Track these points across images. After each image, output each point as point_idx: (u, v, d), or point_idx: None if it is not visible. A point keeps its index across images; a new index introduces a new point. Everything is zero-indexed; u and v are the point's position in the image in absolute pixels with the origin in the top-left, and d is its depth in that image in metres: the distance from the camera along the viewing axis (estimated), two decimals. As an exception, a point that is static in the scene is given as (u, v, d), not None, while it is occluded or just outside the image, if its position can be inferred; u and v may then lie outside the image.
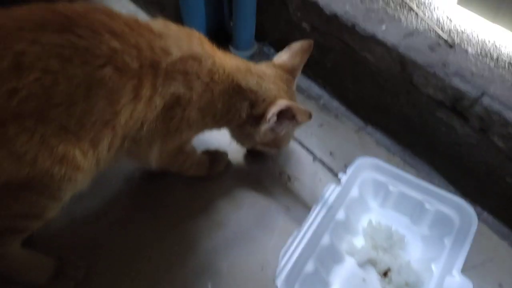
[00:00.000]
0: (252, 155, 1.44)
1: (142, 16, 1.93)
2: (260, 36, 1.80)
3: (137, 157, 1.08)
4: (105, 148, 0.92)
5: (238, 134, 1.26)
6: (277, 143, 1.29)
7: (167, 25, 1.03)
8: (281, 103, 1.10)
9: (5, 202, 0.85)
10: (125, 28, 0.89)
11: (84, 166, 0.89)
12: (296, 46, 1.24)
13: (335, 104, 1.64)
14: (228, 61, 1.11)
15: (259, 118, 1.14)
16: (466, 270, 1.13)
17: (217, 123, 1.17)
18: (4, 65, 0.76)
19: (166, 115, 0.99)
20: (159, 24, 1.02)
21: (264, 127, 1.14)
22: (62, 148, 0.83)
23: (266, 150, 1.37)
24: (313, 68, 1.66)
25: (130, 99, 0.90)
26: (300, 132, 1.52)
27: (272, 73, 1.18)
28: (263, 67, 1.19)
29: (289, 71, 1.22)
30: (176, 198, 1.32)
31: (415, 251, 1.23)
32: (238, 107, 1.14)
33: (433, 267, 1.17)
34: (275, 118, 1.11)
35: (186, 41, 1.02)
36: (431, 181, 1.38)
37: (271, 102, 1.12)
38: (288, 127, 1.17)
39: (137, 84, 0.90)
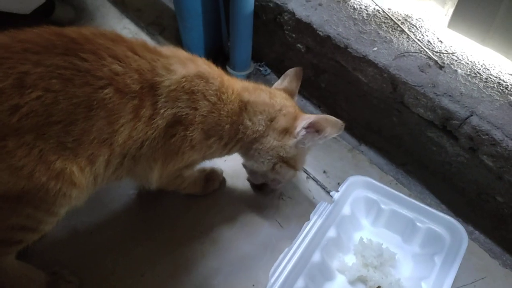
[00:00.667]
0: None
1: (142, 37, 1.97)
2: (257, 56, 1.84)
3: (138, 176, 1.10)
4: (102, 165, 0.95)
5: (254, 154, 1.20)
6: (296, 162, 1.24)
7: (176, 50, 1.08)
8: (310, 117, 1.13)
9: (2, 214, 0.88)
10: (128, 53, 0.94)
11: (81, 182, 0.91)
12: (291, 72, 1.30)
13: (329, 123, 1.66)
14: (236, 83, 1.15)
15: (283, 132, 1.16)
16: (456, 288, 1.14)
17: (225, 146, 1.16)
18: (8, 83, 0.80)
19: (166, 134, 1.01)
20: (169, 49, 1.07)
21: (291, 141, 1.16)
22: (59, 164, 0.87)
23: (277, 181, 1.31)
24: (307, 88, 1.69)
25: (129, 119, 0.93)
26: (294, 151, 1.54)
27: (280, 93, 1.22)
28: (269, 88, 1.23)
29: (291, 95, 1.26)
30: (170, 215, 1.33)
31: (405, 269, 1.24)
32: (251, 123, 1.13)
33: (423, 285, 1.18)
34: (304, 132, 1.14)
35: (193, 62, 1.05)
36: (423, 200, 1.40)
37: (296, 117, 1.16)
38: (313, 140, 1.17)
39: (137, 105, 0.93)
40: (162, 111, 0.97)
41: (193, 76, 1.02)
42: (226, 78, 1.12)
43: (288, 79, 1.29)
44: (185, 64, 1.03)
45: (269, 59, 1.83)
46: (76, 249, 1.23)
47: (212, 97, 1.05)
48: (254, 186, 1.43)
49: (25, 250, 1.04)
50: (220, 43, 1.86)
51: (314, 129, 1.14)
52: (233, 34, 1.66)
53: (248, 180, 1.44)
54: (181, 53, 1.08)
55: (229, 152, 1.20)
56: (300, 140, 1.16)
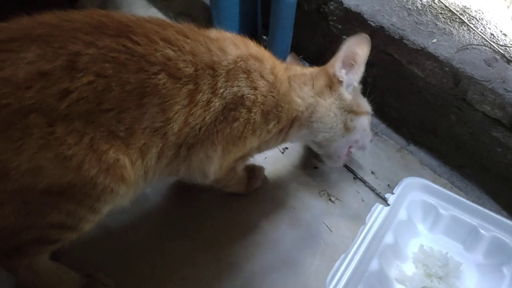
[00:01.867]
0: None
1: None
2: (295, 49, 1.73)
3: (194, 169, 0.99)
4: (154, 158, 0.86)
5: (319, 126, 1.11)
6: (360, 106, 1.16)
7: (222, 32, 1.01)
8: (336, 57, 1.08)
9: (42, 210, 0.78)
10: (179, 36, 0.87)
11: (130, 178, 0.83)
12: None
13: (375, 121, 1.56)
14: (282, 64, 1.10)
15: (327, 88, 1.10)
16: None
17: (282, 131, 1.10)
18: (57, 64, 0.72)
19: (228, 117, 0.93)
20: (214, 31, 1.00)
21: (341, 88, 1.10)
22: (111, 155, 0.79)
23: (361, 139, 1.21)
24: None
25: (184, 105, 0.85)
26: (338, 149, 1.44)
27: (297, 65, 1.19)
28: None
29: None
30: (212, 216, 1.23)
31: (470, 281, 1.13)
32: (300, 99, 1.08)
33: (493, 299, 1.07)
34: (343, 71, 1.09)
35: (244, 43, 0.99)
36: (482, 206, 1.28)
37: (325, 70, 1.11)
38: (357, 73, 1.11)
39: (192, 89, 0.86)
40: (221, 91, 0.91)
41: (247, 56, 0.96)
42: (275, 58, 1.07)
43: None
44: (237, 45, 0.97)
45: (308, 52, 1.73)
46: (110, 249, 1.13)
47: (270, 76, 0.99)
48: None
49: (58, 251, 0.94)
50: (255, 35, 1.77)
51: (348, 63, 1.09)
52: (274, 24, 1.56)
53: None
54: (229, 34, 1.02)
55: (286, 138, 1.15)
56: (347, 82, 1.10)
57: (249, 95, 0.94)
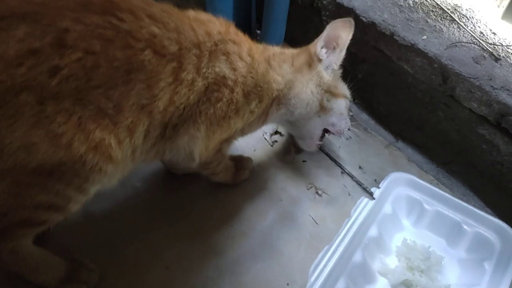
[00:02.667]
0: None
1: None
2: (289, 43, 1.74)
3: (180, 150, 1.00)
4: (141, 136, 0.87)
5: (296, 102, 1.15)
6: (338, 88, 1.22)
7: (199, 13, 1.02)
8: (320, 37, 1.13)
9: (31, 190, 0.79)
10: (164, 14, 0.87)
11: (117, 157, 0.83)
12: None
13: (364, 117, 1.57)
14: (256, 44, 1.12)
15: (306, 65, 1.14)
16: (509, 297, 1.04)
17: (264, 111, 1.13)
18: (47, 41, 0.72)
19: (211, 97, 0.95)
20: (191, 12, 1.01)
21: (319, 66, 1.15)
22: (98, 134, 0.79)
23: (338, 122, 1.24)
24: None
25: (169, 83, 0.86)
26: (327, 144, 1.45)
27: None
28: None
29: None
30: (197, 205, 1.23)
31: (452, 275, 1.14)
32: (280, 77, 1.11)
33: (474, 293, 1.08)
34: (324, 50, 1.14)
35: (223, 26, 1.01)
36: (467, 202, 1.30)
37: (307, 49, 1.16)
38: (338, 55, 1.16)
39: (176, 67, 0.87)
40: (204, 71, 0.92)
41: (226, 39, 0.98)
42: (251, 42, 1.09)
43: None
44: (218, 28, 0.98)
45: (301, 46, 1.73)
46: (95, 237, 1.13)
47: (248, 57, 1.01)
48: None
49: (42, 236, 0.95)
50: (249, 29, 1.77)
51: (330, 44, 1.14)
52: (266, 18, 1.57)
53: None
54: (207, 16, 1.03)
55: (267, 119, 1.17)
56: (326, 62, 1.15)
57: (230, 75, 0.97)
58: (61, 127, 0.74)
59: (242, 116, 1.05)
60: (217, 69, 0.94)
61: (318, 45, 1.13)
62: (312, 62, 1.14)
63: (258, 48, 1.10)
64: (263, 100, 1.08)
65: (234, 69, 0.98)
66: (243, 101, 1.02)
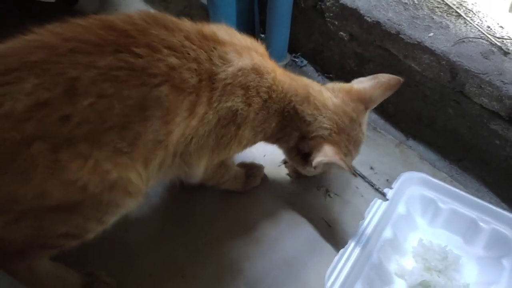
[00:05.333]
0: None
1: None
2: (292, 47, 1.74)
3: (184, 173, 1.00)
4: (155, 168, 0.87)
5: (286, 154, 1.19)
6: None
7: (231, 33, 0.98)
8: (327, 155, 0.99)
9: (53, 224, 0.80)
10: (185, 42, 0.85)
11: (136, 190, 0.83)
12: (384, 78, 1.08)
13: (373, 116, 1.56)
14: (288, 80, 1.03)
15: (304, 155, 1.07)
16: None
17: (267, 140, 1.11)
18: (57, 92, 0.72)
19: (219, 133, 0.93)
20: (223, 31, 0.97)
21: (310, 168, 1.07)
22: (115, 174, 0.78)
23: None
24: (349, 79, 1.58)
25: (185, 117, 0.85)
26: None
27: (335, 103, 1.05)
28: (326, 94, 1.05)
29: (365, 101, 1.08)
30: (210, 213, 1.23)
31: (470, 274, 1.13)
32: (288, 133, 1.06)
33: (493, 291, 1.07)
34: (320, 165, 1.04)
35: (248, 51, 0.96)
36: (482, 198, 1.28)
37: (319, 145, 1.02)
38: (331, 167, 1.10)
39: (194, 100, 0.85)
40: (215, 105, 0.89)
41: (249, 70, 0.93)
42: (279, 72, 1.02)
43: (375, 83, 1.08)
44: (241, 55, 0.93)
45: (306, 49, 1.73)
46: (110, 248, 1.13)
47: (264, 94, 0.97)
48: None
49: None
50: (253, 33, 1.76)
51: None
52: (270, 22, 1.57)
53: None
54: (237, 38, 0.98)
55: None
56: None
57: (242, 112, 0.93)
58: (76, 174, 0.73)
59: (246, 145, 1.03)
60: (229, 104, 0.90)
61: (317, 160, 1.00)
62: (308, 160, 1.05)
63: (285, 83, 1.02)
64: (267, 134, 1.05)
65: (249, 105, 0.94)
66: (249, 135, 1.00)
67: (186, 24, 0.90)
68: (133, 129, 0.79)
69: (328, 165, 1.04)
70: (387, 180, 1.35)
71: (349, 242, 1.09)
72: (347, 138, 1.06)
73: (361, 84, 1.09)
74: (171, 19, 0.89)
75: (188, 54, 0.84)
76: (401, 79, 1.07)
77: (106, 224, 0.87)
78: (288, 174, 1.36)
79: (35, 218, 0.77)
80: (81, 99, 0.73)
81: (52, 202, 0.74)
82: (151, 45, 0.80)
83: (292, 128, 1.05)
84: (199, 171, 1.00)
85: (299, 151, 1.08)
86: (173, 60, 0.81)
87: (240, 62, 0.92)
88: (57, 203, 0.75)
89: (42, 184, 0.72)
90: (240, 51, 0.93)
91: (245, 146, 1.05)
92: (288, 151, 1.13)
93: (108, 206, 0.80)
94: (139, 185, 0.84)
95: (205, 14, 1.91)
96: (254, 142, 1.07)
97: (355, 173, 1.01)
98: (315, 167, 1.03)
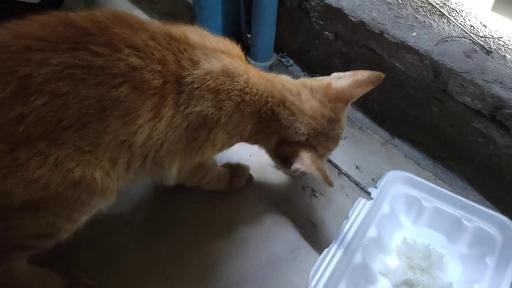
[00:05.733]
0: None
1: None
2: (279, 46, 1.74)
3: (158, 175, 0.99)
4: (123, 168, 0.85)
5: (267, 154, 1.17)
6: None
7: (203, 35, 0.94)
8: (304, 164, 0.99)
9: (21, 223, 0.79)
10: (150, 42, 0.82)
11: (103, 188, 0.82)
12: (364, 76, 1.04)
13: (359, 116, 1.56)
14: (263, 82, 1.00)
15: (283, 158, 1.06)
16: (512, 292, 1.04)
17: (246, 141, 1.09)
18: (8, 91, 0.70)
19: (189, 136, 0.91)
20: (195, 32, 0.93)
21: (289, 170, 1.06)
22: (78, 172, 0.77)
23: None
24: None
25: (149, 119, 0.82)
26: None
27: (313, 107, 1.02)
28: (304, 97, 1.02)
29: (344, 99, 1.05)
30: (195, 214, 1.23)
31: (454, 272, 1.13)
32: (266, 135, 1.05)
33: (477, 289, 1.07)
34: (299, 171, 1.04)
35: (219, 54, 0.93)
36: (466, 197, 1.29)
37: (296, 151, 1.01)
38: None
39: (157, 102, 0.82)
40: (183, 108, 0.86)
41: (218, 73, 0.90)
42: (252, 74, 0.98)
43: (354, 81, 1.04)
44: (211, 57, 0.90)
45: (292, 49, 1.73)
46: (93, 250, 1.13)
47: (236, 98, 0.94)
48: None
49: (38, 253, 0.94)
50: (239, 33, 1.76)
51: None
52: (256, 22, 1.56)
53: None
54: (209, 40, 0.94)
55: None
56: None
57: (212, 116, 0.90)
58: (36, 172, 0.72)
59: (221, 147, 1.01)
60: (198, 108, 0.88)
61: (296, 166, 1.01)
62: (285, 161, 1.06)
63: (260, 85, 0.99)
64: (243, 137, 1.03)
65: (220, 109, 0.91)
66: (223, 138, 0.97)
67: (154, 24, 0.88)
68: (92, 128, 0.77)
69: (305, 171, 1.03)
70: (373, 179, 1.35)
71: (333, 242, 1.09)
72: (325, 140, 1.05)
73: (340, 81, 1.05)
74: (137, 18, 0.87)
75: (152, 54, 0.81)
76: (382, 75, 1.05)
77: (77, 222, 0.86)
78: (275, 167, 1.35)
79: (2, 218, 0.76)
80: (35, 98, 0.71)
81: (16, 200, 0.73)
82: (111, 43, 0.78)
83: (270, 131, 1.03)
84: (172, 174, 0.98)
85: (277, 154, 1.08)
86: (134, 60, 0.79)
87: (208, 65, 0.89)
88: (22, 201, 0.74)
89: (2, 183, 0.71)
90: (210, 53, 0.91)
91: (221, 149, 1.03)
92: (268, 151, 1.13)
93: (75, 203, 0.79)
94: (107, 183, 0.82)
95: (191, 15, 1.91)
96: (231, 145, 1.05)
97: (331, 182, 1.00)
98: (294, 172, 1.02)
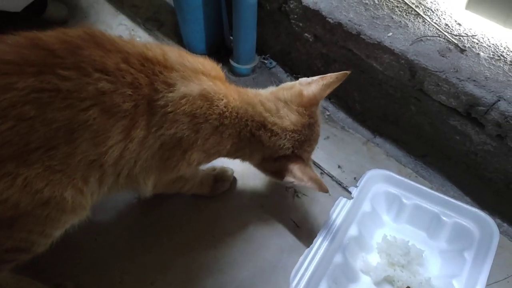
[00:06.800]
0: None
1: (139, 33, 1.88)
2: (261, 49, 1.76)
3: (134, 189, 0.99)
4: (95, 185, 0.86)
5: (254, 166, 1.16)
6: None
7: (182, 56, 0.94)
8: (296, 176, 1.01)
9: None
10: (122, 65, 0.82)
11: (74, 206, 0.83)
12: (332, 78, 1.05)
13: (341, 115, 1.58)
14: (244, 106, 1.00)
15: (274, 172, 1.07)
16: (488, 286, 1.06)
17: (226, 157, 1.09)
18: None
19: (163, 155, 0.91)
20: (174, 54, 0.92)
21: (281, 181, 1.07)
22: (48, 192, 0.77)
23: None
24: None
25: (119, 140, 0.82)
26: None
27: (293, 121, 1.02)
28: (283, 112, 1.02)
29: (316, 103, 1.06)
30: (179, 218, 1.24)
31: (433, 267, 1.16)
32: (248, 154, 1.06)
33: (455, 283, 1.10)
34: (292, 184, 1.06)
35: (198, 76, 0.92)
36: (446, 193, 1.32)
37: (285, 165, 1.03)
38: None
39: (128, 125, 0.82)
40: (155, 129, 0.87)
41: (195, 97, 0.89)
42: (232, 96, 0.98)
43: (323, 85, 1.05)
44: (189, 80, 0.90)
45: (274, 51, 1.75)
46: (79, 257, 1.14)
47: (215, 121, 0.94)
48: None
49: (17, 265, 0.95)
50: (221, 36, 1.78)
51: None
52: (237, 25, 1.58)
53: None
54: (188, 61, 0.93)
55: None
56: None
57: (188, 138, 0.91)
58: (4, 193, 0.73)
59: (198, 165, 1.02)
60: (172, 131, 0.88)
61: (289, 179, 1.03)
62: (276, 174, 1.07)
63: (240, 108, 0.99)
64: (222, 154, 1.04)
65: (196, 132, 0.91)
66: (199, 157, 0.97)
67: (128, 44, 0.87)
68: (61, 149, 0.77)
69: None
70: (355, 178, 1.38)
71: (314, 242, 1.11)
72: (309, 145, 1.07)
73: (311, 87, 1.05)
74: (110, 38, 0.86)
75: (123, 78, 0.81)
76: (348, 72, 1.07)
77: (51, 237, 0.87)
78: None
79: None
80: (0, 122, 0.71)
81: None
82: (80, 67, 0.77)
83: (251, 150, 1.05)
84: (147, 189, 0.98)
85: (265, 168, 1.09)
86: (104, 85, 0.78)
87: (185, 88, 0.88)
88: None
89: None
90: (189, 76, 0.90)
91: (198, 165, 1.04)
92: (255, 166, 1.13)
93: (46, 220, 0.80)
94: (79, 200, 0.83)
95: (174, 20, 1.92)
96: (208, 162, 1.06)
97: (326, 189, 1.01)
98: (286, 183, 1.05)
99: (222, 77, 1.01)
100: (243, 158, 1.10)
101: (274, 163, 1.06)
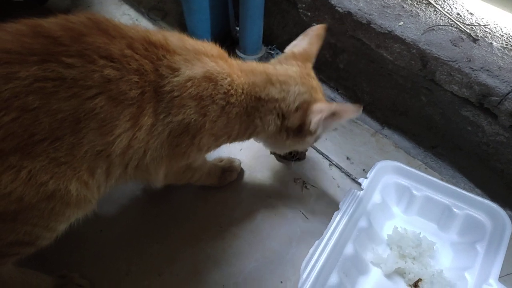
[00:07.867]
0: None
1: (143, 23, 1.86)
2: (268, 39, 1.73)
3: (144, 180, 0.98)
4: (102, 177, 0.84)
5: (270, 144, 1.16)
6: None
7: (183, 40, 0.92)
8: (323, 109, 0.97)
9: (0, 233, 0.78)
10: (127, 51, 0.79)
11: (79, 199, 0.81)
12: (313, 32, 1.10)
13: (349, 107, 1.56)
14: (247, 79, 0.97)
15: (298, 128, 1.03)
16: (501, 277, 1.05)
17: (236, 140, 1.06)
18: None
19: (172, 142, 0.89)
20: (175, 38, 0.90)
21: (310, 137, 1.05)
22: (52, 185, 0.75)
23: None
24: (324, 70, 1.58)
25: (127, 128, 0.80)
26: (314, 137, 1.45)
27: (296, 71, 1.02)
28: (284, 68, 1.02)
29: (310, 59, 1.08)
30: (187, 209, 1.23)
31: (445, 259, 1.14)
32: (261, 123, 1.02)
33: (467, 276, 1.08)
34: (321, 125, 0.99)
35: (200, 58, 0.90)
36: (456, 185, 1.31)
37: (307, 109, 0.99)
38: (331, 124, 1.03)
39: (135, 112, 0.80)
40: (162, 116, 0.85)
41: (200, 79, 0.87)
42: (235, 73, 0.96)
43: (309, 40, 1.09)
44: (192, 63, 0.88)
45: (281, 41, 1.73)
46: (85, 249, 1.13)
47: (221, 101, 0.92)
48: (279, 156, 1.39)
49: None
50: (227, 26, 1.76)
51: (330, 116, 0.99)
52: (243, 15, 1.55)
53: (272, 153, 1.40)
54: (189, 43, 0.92)
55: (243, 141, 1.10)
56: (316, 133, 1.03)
57: (195, 123, 0.89)
58: (8, 186, 0.71)
59: (207, 150, 1.00)
60: (180, 117, 0.86)
61: (316, 120, 0.97)
62: (304, 129, 1.02)
63: (245, 83, 0.97)
64: (231, 137, 1.01)
65: (204, 115, 0.89)
66: (209, 141, 0.95)
67: (132, 30, 0.84)
68: (66, 140, 0.75)
69: (327, 122, 0.99)
70: (363, 169, 1.36)
71: (324, 233, 1.09)
72: (320, 90, 1.07)
73: (299, 47, 1.09)
74: (114, 23, 0.83)
75: (129, 65, 0.79)
76: (325, 25, 1.13)
77: (56, 231, 0.85)
78: (273, 153, 1.39)
79: None
80: (3, 114, 0.69)
81: None
82: (84, 54, 0.75)
83: (263, 116, 1.01)
84: (159, 178, 0.97)
85: (287, 130, 1.04)
86: (109, 72, 0.76)
87: (189, 71, 0.86)
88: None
89: None
90: (192, 58, 0.88)
91: (207, 151, 1.02)
92: (270, 137, 1.07)
93: (50, 214, 0.78)
94: (84, 194, 0.81)
95: (179, 9, 1.90)
96: (218, 146, 1.04)
97: (360, 106, 0.96)
98: (314, 131, 1.00)
99: (224, 56, 0.99)
100: (257, 133, 1.05)
101: (295, 114, 1.01)
